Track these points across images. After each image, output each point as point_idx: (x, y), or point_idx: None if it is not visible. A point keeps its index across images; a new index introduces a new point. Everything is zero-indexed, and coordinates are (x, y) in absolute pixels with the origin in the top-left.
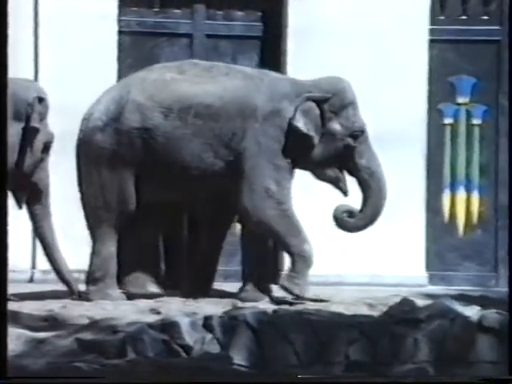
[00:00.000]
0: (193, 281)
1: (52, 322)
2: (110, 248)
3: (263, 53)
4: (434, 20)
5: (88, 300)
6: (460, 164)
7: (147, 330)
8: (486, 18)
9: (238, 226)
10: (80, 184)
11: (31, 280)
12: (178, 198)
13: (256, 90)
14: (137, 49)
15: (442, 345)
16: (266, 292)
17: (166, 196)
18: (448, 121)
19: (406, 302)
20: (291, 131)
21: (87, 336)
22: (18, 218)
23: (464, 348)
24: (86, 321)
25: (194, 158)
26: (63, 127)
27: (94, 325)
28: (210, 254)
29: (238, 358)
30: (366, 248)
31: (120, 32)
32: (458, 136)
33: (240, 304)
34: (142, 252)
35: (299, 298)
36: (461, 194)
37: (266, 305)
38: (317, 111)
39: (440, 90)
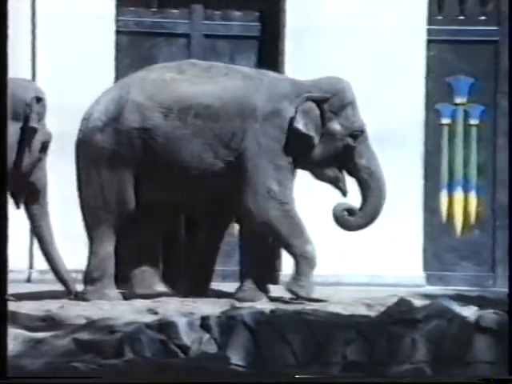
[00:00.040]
0: (190, 281)
1: (49, 322)
2: (108, 248)
3: (261, 53)
4: (431, 20)
5: (85, 300)
6: (458, 164)
7: (144, 330)
8: (483, 18)
9: (235, 226)
10: (79, 184)
11: (29, 280)
12: (177, 198)
13: (255, 90)
14: (135, 49)
15: (440, 345)
16: (265, 292)
17: (165, 196)
18: (446, 121)
19: (403, 302)
20: (291, 131)
21: (85, 336)
22: (16, 218)
23: (461, 348)
24: (84, 321)
25: (194, 158)
26: (61, 127)
27: (91, 325)
28: (207, 253)
29: (236, 358)
30: (364, 248)
31: (118, 32)
32: (455, 136)
33: (237, 304)
34: (144, 252)
35: (306, 299)
36: (458, 194)
37: (263, 305)
38: (317, 111)
39: (438, 90)
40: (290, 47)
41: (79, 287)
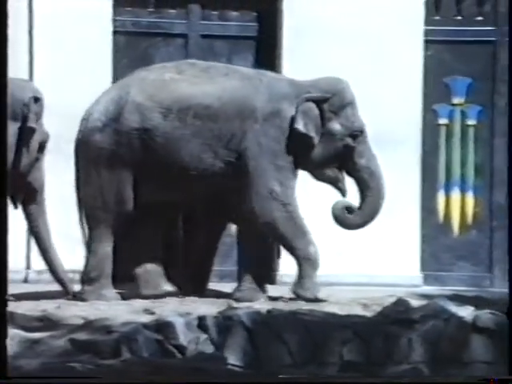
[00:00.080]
0: (188, 280)
1: (46, 322)
2: (107, 248)
3: (258, 53)
4: (428, 21)
5: (83, 300)
6: (455, 164)
7: (142, 330)
8: (480, 18)
9: (233, 226)
10: (77, 184)
11: (26, 280)
12: (176, 198)
13: (255, 90)
14: (132, 49)
15: (437, 345)
16: (262, 292)
17: (165, 196)
18: (443, 121)
19: (400, 303)
20: (291, 132)
21: (82, 336)
22: (13, 218)
23: (458, 348)
24: (81, 321)
25: (193, 159)
26: (58, 127)
27: (88, 325)
28: (205, 253)
29: (233, 358)
30: (361, 248)
31: (115, 32)
32: (452, 136)
33: (235, 304)
34: (146, 252)
35: (312, 301)
36: (455, 195)
37: (261, 305)
38: (316, 111)
39: (435, 90)
40: (287, 47)
41: (76, 287)
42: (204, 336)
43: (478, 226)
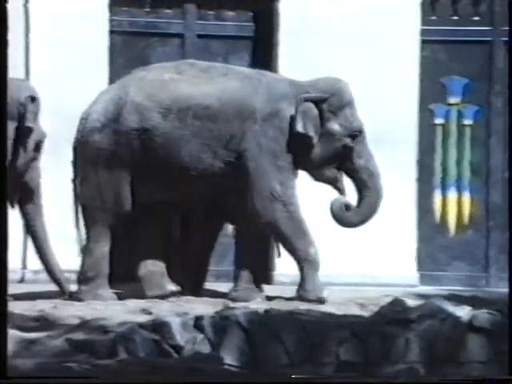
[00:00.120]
0: (184, 280)
1: (43, 322)
2: (104, 248)
3: (255, 53)
4: (425, 20)
5: (79, 300)
6: (451, 164)
7: (138, 330)
8: (476, 18)
9: (230, 227)
10: (75, 184)
11: (22, 280)
12: (176, 198)
13: (254, 91)
14: (128, 49)
15: (433, 345)
16: (259, 292)
17: (164, 196)
18: (439, 121)
19: (397, 302)
20: (290, 132)
21: (78, 336)
22: (10, 218)
23: (455, 348)
24: (77, 321)
25: (193, 159)
26: (55, 127)
27: (84, 325)
28: (202, 253)
29: (229, 358)
30: (358, 248)
31: (111, 32)
32: (449, 136)
33: (231, 304)
34: (147, 253)
35: (316, 302)
36: (452, 195)
37: (257, 305)
38: (315, 111)
39: (431, 90)
40: (283, 47)
41: (73, 287)
42: (201, 336)
43: (475, 226)
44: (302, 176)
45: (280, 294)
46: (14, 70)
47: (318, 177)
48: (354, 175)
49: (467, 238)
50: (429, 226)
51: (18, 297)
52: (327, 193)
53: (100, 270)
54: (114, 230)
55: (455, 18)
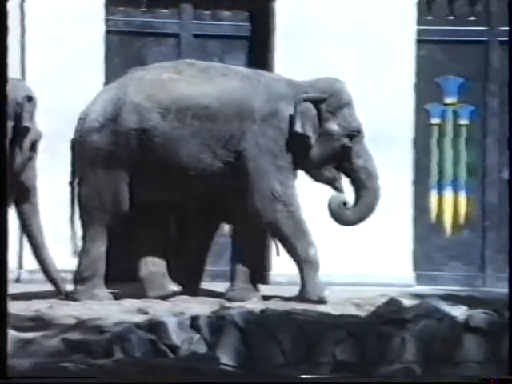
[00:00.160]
0: (181, 280)
1: (39, 322)
2: (100, 248)
3: (251, 53)
4: (421, 20)
5: (75, 300)
6: (447, 164)
7: (134, 330)
8: (472, 18)
9: (226, 226)
10: (72, 183)
11: (18, 280)
12: (175, 198)
13: (253, 91)
14: (124, 48)
15: (429, 345)
16: (255, 292)
17: (164, 196)
18: (435, 121)
19: (393, 302)
20: (289, 132)
21: (74, 336)
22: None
23: (451, 348)
24: (73, 321)
25: (192, 159)
26: (51, 127)
27: (80, 325)
28: (198, 253)
29: (226, 358)
30: (354, 248)
31: (107, 32)
32: (445, 136)
33: (227, 304)
34: (148, 253)
35: (318, 302)
36: (448, 194)
37: (253, 305)
38: (314, 111)
39: (427, 90)
40: (279, 47)
41: (69, 287)
42: (197, 336)
43: (471, 226)
44: (300, 176)
45: (276, 293)
46: (10, 70)
47: (316, 177)
48: (352, 175)
49: (463, 237)
50: (425, 226)
51: (14, 297)
52: (324, 193)
53: (96, 270)
54: (111, 230)
55: (451, 17)
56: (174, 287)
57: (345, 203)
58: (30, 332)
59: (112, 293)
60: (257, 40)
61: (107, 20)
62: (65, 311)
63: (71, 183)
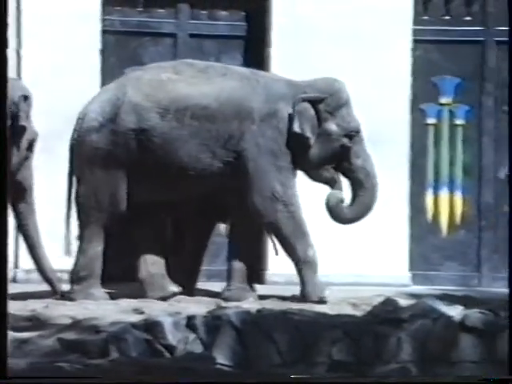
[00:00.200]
0: (177, 280)
1: (35, 321)
2: (97, 248)
3: (247, 53)
4: (417, 20)
5: (71, 299)
6: (443, 164)
7: (130, 330)
8: (469, 18)
9: (222, 226)
10: (70, 183)
11: (14, 280)
12: (175, 198)
13: (252, 91)
14: (120, 48)
15: (425, 344)
16: (251, 291)
17: (163, 196)
18: (431, 121)
19: (389, 302)
20: (288, 132)
21: (70, 336)
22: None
23: (447, 348)
24: (69, 321)
25: (191, 159)
26: (47, 127)
27: (76, 324)
28: (195, 253)
29: (222, 358)
30: (350, 248)
31: (104, 31)
32: (441, 136)
33: (224, 304)
34: (147, 254)
35: (319, 303)
36: (444, 194)
37: (249, 304)
38: (312, 112)
39: (423, 90)
40: (276, 47)
41: (65, 287)
42: (193, 336)
43: (467, 226)
44: (297, 175)
45: (273, 293)
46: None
47: (315, 177)
48: (351, 175)
49: (459, 237)
50: (421, 226)
51: (10, 296)
52: (319, 192)
53: (93, 270)
54: (108, 229)
55: (447, 17)
56: (174, 288)
57: (342, 201)
58: (26, 332)
59: (108, 293)
60: (253, 40)
61: (103, 20)
62: (61, 311)
63: (69, 183)
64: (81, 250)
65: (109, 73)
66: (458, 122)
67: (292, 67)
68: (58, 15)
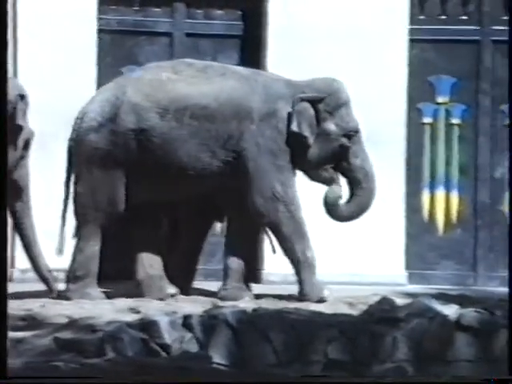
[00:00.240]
0: (173, 279)
1: (31, 321)
2: (94, 247)
3: (243, 52)
4: (413, 20)
5: (67, 299)
6: (439, 163)
7: (126, 329)
8: (465, 18)
9: (218, 225)
10: (67, 182)
11: (10, 279)
12: (174, 198)
13: (251, 91)
14: (116, 47)
15: (421, 344)
16: (247, 291)
17: (162, 196)
18: (427, 120)
19: (385, 301)
20: (287, 132)
21: (66, 335)
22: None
23: (443, 347)
24: (65, 320)
25: (191, 159)
26: (43, 126)
27: (72, 324)
28: (191, 252)
29: (218, 357)
30: (346, 247)
31: (100, 30)
32: (437, 135)
33: (220, 303)
34: (145, 254)
35: (321, 302)
36: (440, 193)
37: (246, 304)
38: (311, 111)
39: (419, 89)
40: (272, 46)
41: (61, 286)
42: (189, 335)
43: (463, 225)
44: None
45: (269, 292)
46: None
47: (314, 177)
48: (349, 175)
49: (455, 236)
50: (417, 225)
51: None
52: (316, 191)
53: (89, 269)
54: (106, 229)
55: (444, 17)
56: (172, 290)
57: (340, 197)
58: (22, 331)
59: (104, 292)
60: (249, 39)
61: (99, 19)
62: (57, 310)
63: (66, 182)
64: (78, 249)
65: (105, 72)
66: (455, 121)
67: (288, 67)
68: (53, 14)
